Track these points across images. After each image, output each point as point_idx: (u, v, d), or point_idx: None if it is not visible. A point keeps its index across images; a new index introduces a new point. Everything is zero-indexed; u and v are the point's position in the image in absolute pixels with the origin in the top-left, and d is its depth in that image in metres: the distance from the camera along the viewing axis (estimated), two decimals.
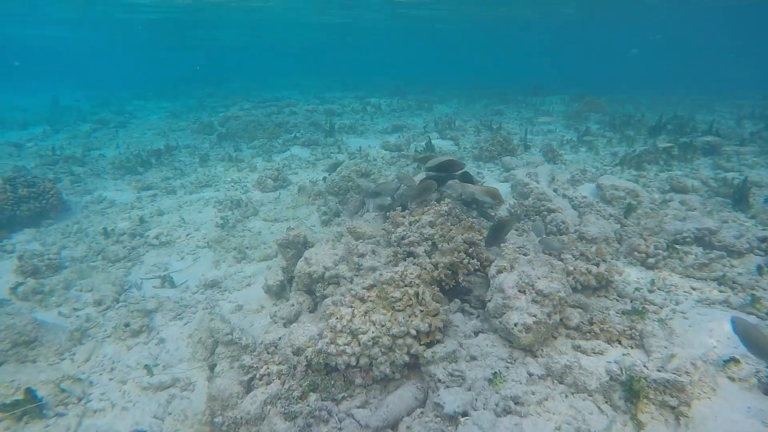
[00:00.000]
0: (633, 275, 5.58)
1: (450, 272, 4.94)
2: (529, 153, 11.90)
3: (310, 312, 5.39)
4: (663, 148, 10.37)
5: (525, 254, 5.15)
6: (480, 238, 5.23)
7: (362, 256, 5.13)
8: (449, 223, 5.56)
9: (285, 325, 5.08)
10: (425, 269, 4.78)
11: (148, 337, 5.44)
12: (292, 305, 5.27)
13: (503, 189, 8.91)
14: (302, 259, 5.50)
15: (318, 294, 5.26)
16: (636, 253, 5.79)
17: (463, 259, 4.93)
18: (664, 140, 12.26)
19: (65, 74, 46.06)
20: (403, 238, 5.85)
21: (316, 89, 26.31)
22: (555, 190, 8.33)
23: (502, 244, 5.65)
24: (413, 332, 4.03)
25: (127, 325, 5.39)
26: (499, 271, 4.84)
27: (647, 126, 14.19)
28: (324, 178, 10.03)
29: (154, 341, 5.37)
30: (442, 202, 6.08)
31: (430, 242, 5.47)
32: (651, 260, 5.68)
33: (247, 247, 7.59)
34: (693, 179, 8.93)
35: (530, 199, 7.36)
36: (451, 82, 28.87)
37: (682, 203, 7.38)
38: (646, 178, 9.48)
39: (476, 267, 4.90)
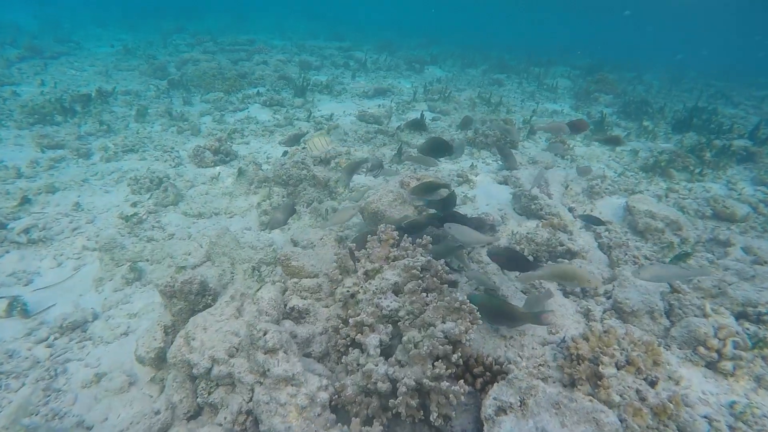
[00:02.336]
0: (696, 385, 3.56)
1: (417, 398, 2.83)
2: (533, 140, 9.63)
3: (189, 419, 3.25)
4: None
5: (545, 378, 3.05)
6: (471, 330, 3.07)
7: (272, 352, 2.94)
8: (423, 293, 3.38)
9: None
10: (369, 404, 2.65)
11: None
12: (157, 413, 3.11)
13: (503, 195, 6.71)
14: (182, 334, 3.29)
15: (200, 399, 3.11)
16: (702, 349, 3.74)
17: (441, 377, 2.80)
18: (693, 138, 10.10)
19: None
20: (352, 296, 3.68)
21: (298, 35, 23.03)
22: (570, 210, 6.16)
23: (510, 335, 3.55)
24: None
25: None
26: (500, 410, 2.74)
27: (669, 119, 11.95)
28: (284, 153, 7.62)
29: None
30: (416, 246, 3.87)
31: (389, 324, 3.31)
32: (726, 365, 3.64)
33: (147, 260, 5.32)
34: (740, 202, 6.84)
35: (539, 227, 5.19)
36: (449, 39, 25.73)
37: (746, 250, 5.29)
38: (678, 193, 7.37)
39: (462, 394, 2.78)
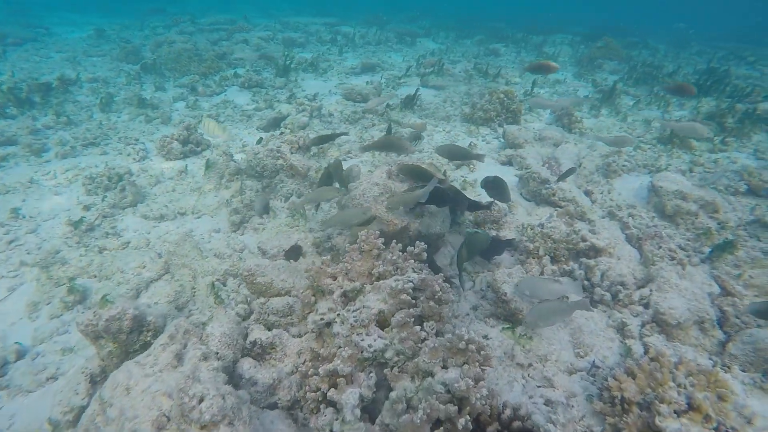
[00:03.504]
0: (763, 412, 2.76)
1: None
2: (535, 114, 8.68)
3: None
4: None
5: None
6: (484, 382, 2.24)
7: (211, 427, 2.11)
8: (416, 327, 2.54)
9: None
10: None
11: None
12: None
13: (507, 178, 5.80)
14: (98, 397, 2.46)
15: None
16: None
17: None
18: (710, 104, 9.13)
19: None
20: (328, 325, 2.85)
21: (283, 13, 21.70)
22: (588, 194, 5.28)
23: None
24: None
25: None
26: None
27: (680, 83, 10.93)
28: (258, 141, 6.72)
29: None
30: (406, 256, 3.01)
31: (372, 372, 2.48)
32: None
33: (94, 276, 4.48)
34: None
35: (554, 217, 4.31)
36: (441, 10, 24.35)
37: None
38: (702, 166, 6.48)
39: None
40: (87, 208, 5.56)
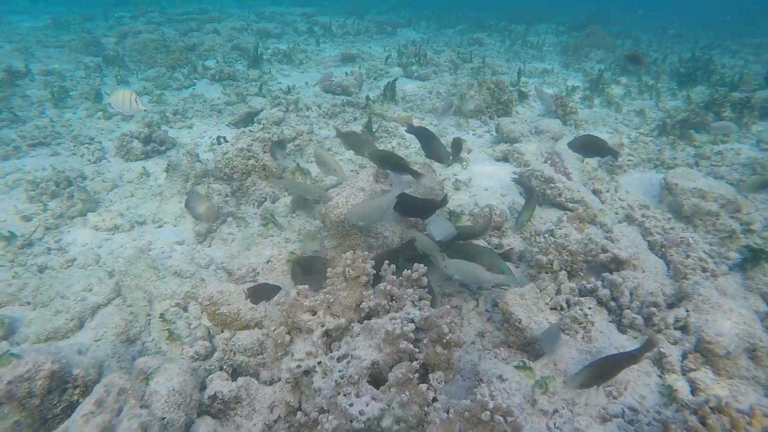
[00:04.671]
0: None
1: None
2: (526, 105, 8.13)
3: None
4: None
5: None
6: None
7: None
8: (422, 386, 1.93)
9: None
10: None
11: None
12: None
13: (504, 176, 5.25)
14: None
15: None
16: None
17: None
18: (703, 93, 8.72)
19: None
20: (306, 374, 2.23)
21: (259, 2, 20.71)
22: (596, 193, 4.75)
23: None
24: None
25: None
26: None
27: (668, 72, 10.55)
28: (217, 140, 6.04)
29: None
30: (403, 282, 2.41)
31: None
32: None
33: (28, 303, 3.74)
34: None
35: (564, 223, 3.74)
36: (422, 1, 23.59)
37: None
38: (708, 159, 6.03)
39: None
40: (27, 218, 4.78)
